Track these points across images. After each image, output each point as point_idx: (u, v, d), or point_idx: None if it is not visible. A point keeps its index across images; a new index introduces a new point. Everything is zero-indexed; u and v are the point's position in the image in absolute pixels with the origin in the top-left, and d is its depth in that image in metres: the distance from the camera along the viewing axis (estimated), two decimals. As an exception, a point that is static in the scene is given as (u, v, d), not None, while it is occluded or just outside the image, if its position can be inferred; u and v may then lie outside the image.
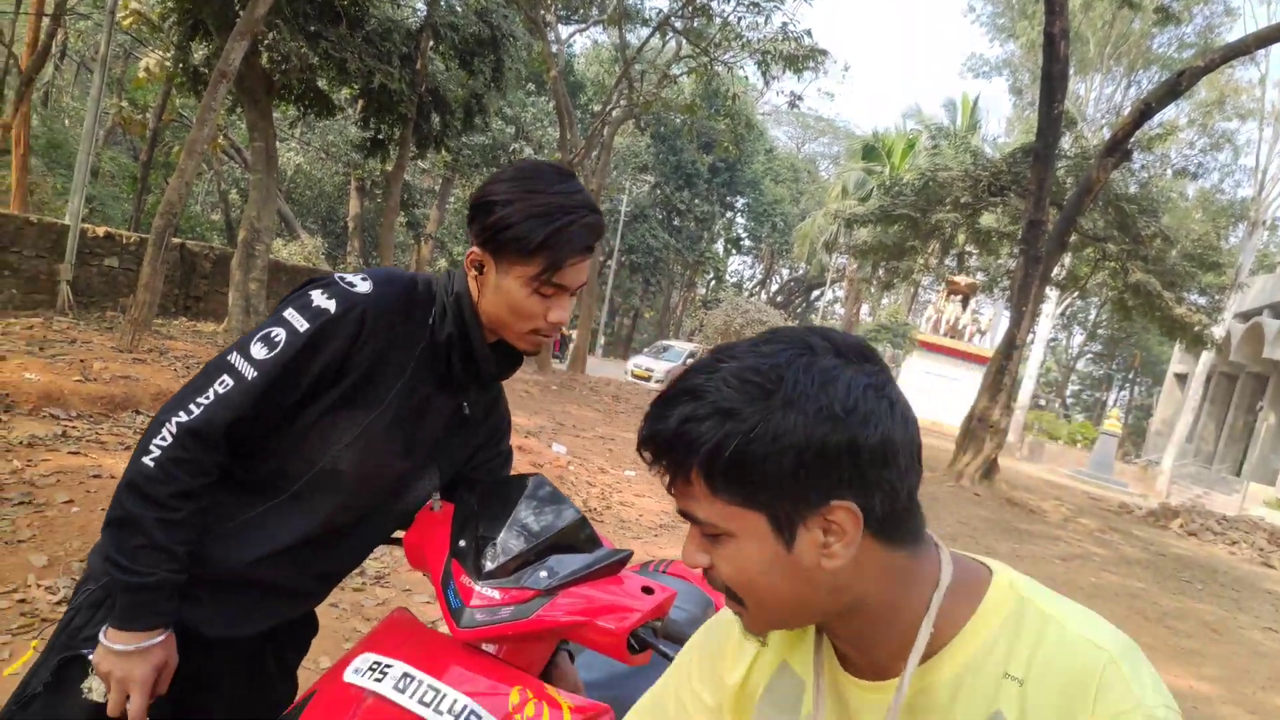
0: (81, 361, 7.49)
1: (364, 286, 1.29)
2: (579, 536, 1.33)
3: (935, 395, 30.25)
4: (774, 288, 52.61)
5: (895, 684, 0.81)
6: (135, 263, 11.46)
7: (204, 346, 10.15)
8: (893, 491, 0.77)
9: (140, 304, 9.08)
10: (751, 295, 45.98)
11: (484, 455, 1.54)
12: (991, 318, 34.35)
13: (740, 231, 44.57)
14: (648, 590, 1.32)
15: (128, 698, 1.22)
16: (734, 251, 46.63)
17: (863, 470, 0.76)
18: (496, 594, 1.27)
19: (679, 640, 1.28)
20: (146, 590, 1.21)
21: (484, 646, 1.30)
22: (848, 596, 0.81)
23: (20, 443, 5.30)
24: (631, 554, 1.35)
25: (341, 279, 1.30)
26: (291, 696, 1.49)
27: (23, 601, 3.36)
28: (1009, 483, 14.71)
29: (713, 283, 43.93)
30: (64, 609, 3.36)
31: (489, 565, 1.30)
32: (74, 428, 6.01)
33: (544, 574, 1.29)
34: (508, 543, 1.31)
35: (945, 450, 16.39)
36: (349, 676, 1.23)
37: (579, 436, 10.48)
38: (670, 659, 1.28)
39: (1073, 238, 15.92)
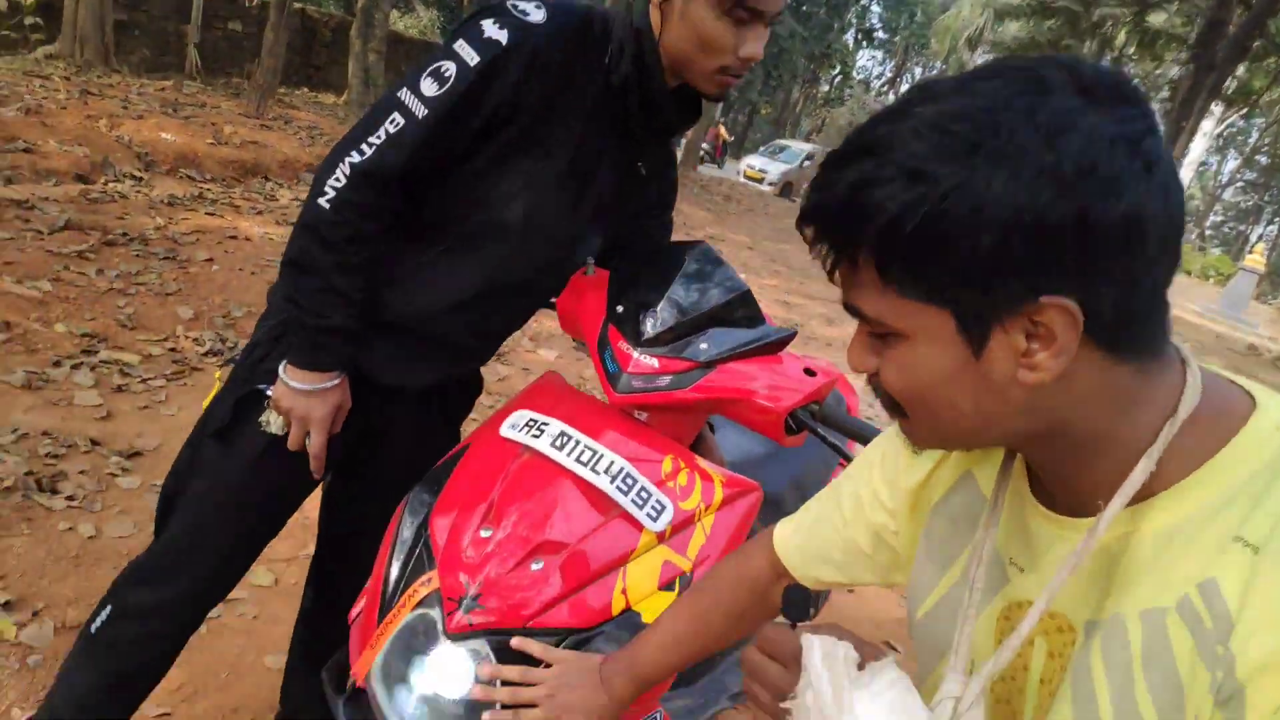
0: (212, 125, 7.65)
1: (537, 15, 1.18)
2: (742, 311, 1.27)
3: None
4: (904, 87, 49.43)
5: (1090, 524, 0.64)
6: (257, 28, 11.40)
7: (326, 118, 10.22)
8: (1131, 286, 0.58)
9: (265, 70, 9.13)
10: (880, 95, 43.31)
11: (649, 221, 1.47)
12: (1140, 134, 31.53)
13: (874, 21, 41.32)
14: (809, 372, 1.26)
15: (307, 434, 1.27)
16: (864, 45, 43.42)
17: (1094, 255, 0.56)
18: (655, 362, 1.24)
19: (837, 426, 1.24)
20: (323, 333, 1.22)
21: (635, 414, 1.29)
22: (1047, 419, 0.63)
23: (162, 201, 5.54)
24: (795, 333, 1.29)
25: (514, 6, 1.19)
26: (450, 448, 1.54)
27: (173, 350, 3.59)
28: (1134, 311, 14.04)
29: (838, 79, 41.31)
30: (211, 360, 3.63)
31: (648, 332, 1.26)
32: (209, 190, 6.23)
33: (704, 345, 1.24)
34: (668, 311, 1.26)
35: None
36: (505, 432, 1.24)
37: (689, 235, 10.36)
38: (828, 442, 1.25)
39: (1256, 43, 14.14)
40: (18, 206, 4.56)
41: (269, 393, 1.28)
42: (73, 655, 1.42)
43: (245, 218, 5.73)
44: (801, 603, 0.80)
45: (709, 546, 1.17)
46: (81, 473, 2.56)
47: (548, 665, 1.04)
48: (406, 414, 1.43)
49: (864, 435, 1.21)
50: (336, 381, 1.26)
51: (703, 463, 1.24)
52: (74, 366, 3.15)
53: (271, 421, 1.28)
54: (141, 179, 5.99)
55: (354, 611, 1.22)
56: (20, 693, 1.81)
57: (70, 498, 2.43)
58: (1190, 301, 25.11)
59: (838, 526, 0.92)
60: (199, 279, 4.35)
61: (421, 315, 1.31)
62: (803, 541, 0.95)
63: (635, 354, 1.25)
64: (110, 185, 5.61)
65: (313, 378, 1.24)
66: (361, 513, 1.47)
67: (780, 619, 0.82)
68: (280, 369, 1.25)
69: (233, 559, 1.39)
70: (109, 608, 1.38)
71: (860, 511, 0.89)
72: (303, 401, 1.24)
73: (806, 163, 22.56)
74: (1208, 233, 51.90)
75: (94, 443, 2.72)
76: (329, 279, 1.20)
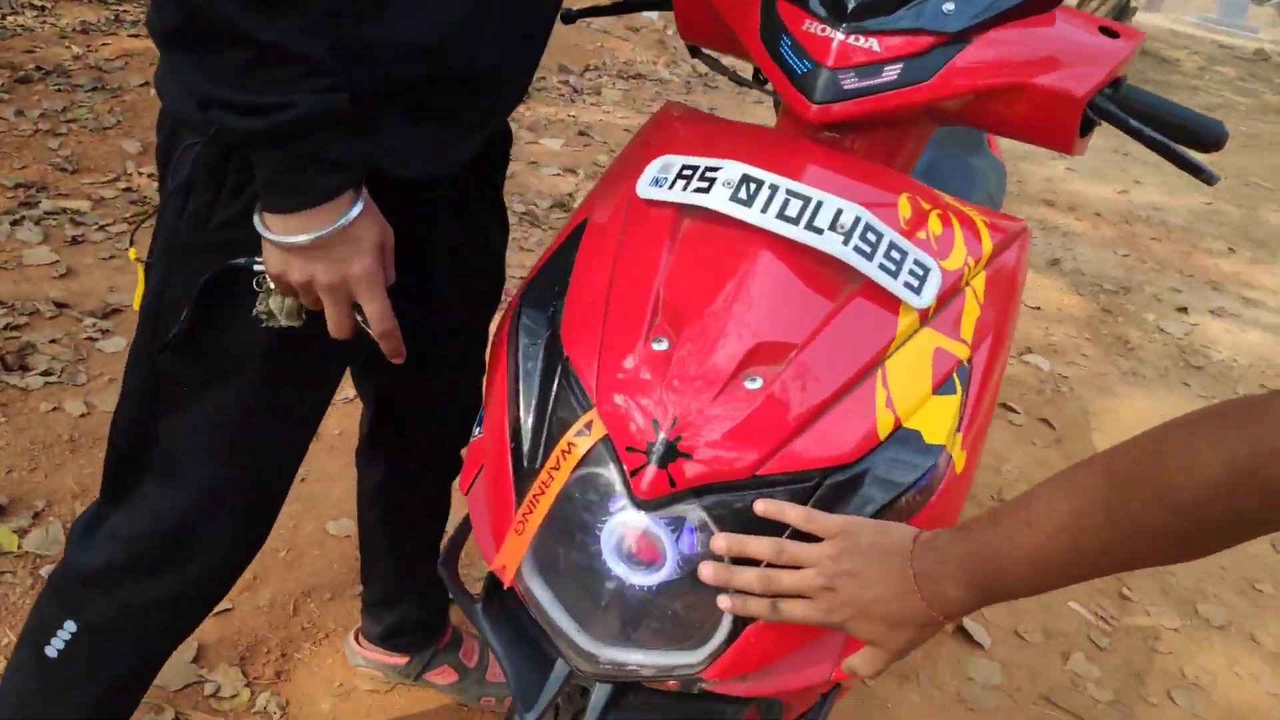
0: (110, -64, 6.67)
1: None
2: None
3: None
4: None
5: None
6: None
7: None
8: None
9: None
10: None
11: None
12: None
13: None
14: (1108, 32, 0.82)
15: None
16: None
17: None
18: (873, 43, 0.79)
19: (1146, 116, 0.82)
20: (297, 134, 0.70)
21: (830, 137, 0.86)
22: None
23: (73, 29, 4.88)
24: None
25: None
26: (506, 240, 1.10)
27: (128, 190, 3.15)
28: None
29: None
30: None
31: None
32: (126, 11, 5.50)
33: (949, 6, 0.79)
34: None
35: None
36: (646, 191, 0.81)
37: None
38: (1143, 137, 0.82)
39: None
40: (-97, 55, 3.93)
41: (256, 267, 0.80)
42: (23, 681, 1.00)
43: (174, 35, 5.03)
44: None
45: (986, 319, 0.79)
46: (53, 342, 2.16)
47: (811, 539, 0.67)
48: (443, 209, 0.96)
49: (1193, 128, 0.79)
50: (360, 206, 0.75)
51: (949, 198, 0.83)
52: (14, 223, 2.67)
53: (276, 310, 0.81)
54: (45, 8, 5.24)
55: (468, 481, 0.85)
56: (41, 609, 1.50)
57: (47, 372, 2.04)
58: (1184, 14, 23.88)
59: None
60: (138, 107, 3.77)
61: (426, 51, 0.79)
62: None
63: (839, 35, 0.80)
64: (9, 18, 4.90)
65: (319, 216, 0.73)
66: (428, 357, 1.03)
67: None
68: (258, 225, 0.75)
69: (253, 519, 0.99)
70: (69, 624, 0.96)
71: None
72: (324, 260, 0.75)
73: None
74: (1191, -60, 48.83)
75: (59, 305, 2.30)
76: (256, 35, 0.66)
